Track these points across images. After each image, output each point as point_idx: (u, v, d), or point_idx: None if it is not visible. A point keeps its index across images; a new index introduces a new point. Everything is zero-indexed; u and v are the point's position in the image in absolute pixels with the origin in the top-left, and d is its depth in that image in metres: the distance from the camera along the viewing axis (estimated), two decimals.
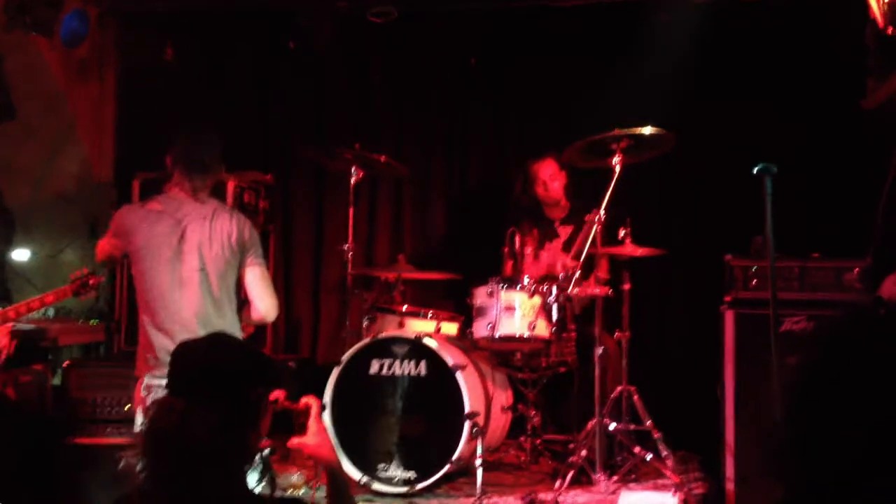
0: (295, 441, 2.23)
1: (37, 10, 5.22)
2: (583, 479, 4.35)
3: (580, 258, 4.44)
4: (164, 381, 2.07)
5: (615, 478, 4.37)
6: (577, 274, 4.42)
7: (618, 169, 4.44)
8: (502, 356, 4.84)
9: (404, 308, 5.01)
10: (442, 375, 4.40)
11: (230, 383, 1.98)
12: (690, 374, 5.18)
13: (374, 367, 4.54)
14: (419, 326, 4.86)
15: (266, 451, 2.04)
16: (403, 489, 4.36)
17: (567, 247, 5.23)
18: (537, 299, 4.45)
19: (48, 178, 6.07)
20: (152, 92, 5.97)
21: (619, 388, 4.51)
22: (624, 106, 4.86)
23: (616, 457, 4.51)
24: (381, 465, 4.43)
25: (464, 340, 4.82)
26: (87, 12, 5.53)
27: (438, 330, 4.85)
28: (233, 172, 5.18)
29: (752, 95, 5.42)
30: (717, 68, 5.48)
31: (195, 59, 6.14)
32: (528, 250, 5.03)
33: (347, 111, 6.23)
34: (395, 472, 4.41)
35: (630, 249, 4.53)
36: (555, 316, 4.46)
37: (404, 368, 4.50)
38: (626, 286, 4.59)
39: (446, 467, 4.32)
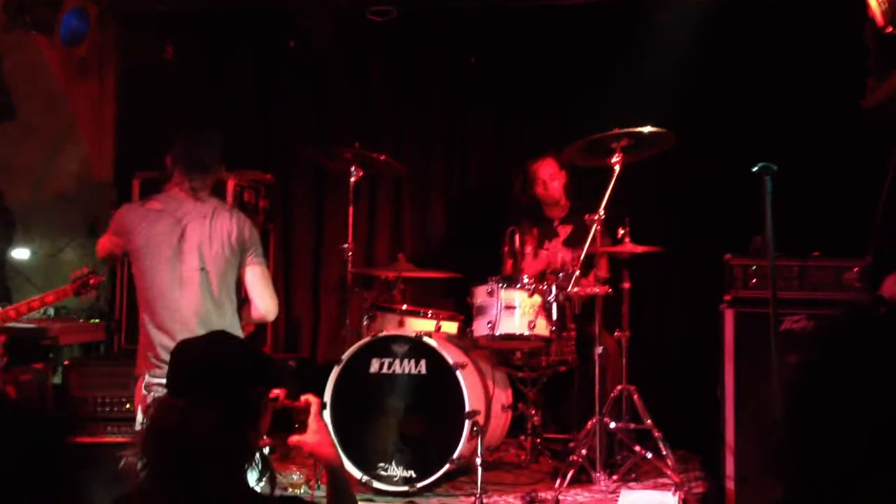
0: (295, 439, 2.23)
1: (37, 9, 5.21)
2: (583, 478, 4.36)
3: (580, 257, 4.45)
4: (164, 380, 2.07)
5: (615, 477, 4.37)
6: (577, 273, 4.42)
7: (617, 168, 4.45)
8: (502, 355, 4.85)
9: (404, 307, 5.02)
10: (442, 374, 4.40)
11: (230, 381, 1.98)
12: (690, 373, 5.18)
13: (375, 365, 4.54)
14: (419, 325, 4.87)
15: (266, 450, 2.04)
16: (404, 488, 4.37)
17: (567, 245, 5.23)
18: (537, 298, 4.45)
19: (48, 177, 6.06)
20: (152, 91, 5.97)
21: (619, 387, 4.52)
22: (624, 105, 4.86)
23: (616, 456, 4.52)
24: (381, 464, 4.43)
25: (464, 339, 4.83)
26: (87, 11, 5.53)
27: (438, 329, 4.85)
28: (233, 171, 5.19)
29: (752, 95, 5.42)
30: (717, 68, 5.48)
31: (195, 58, 6.14)
32: (528, 249, 5.03)
33: (347, 111, 6.23)
34: (396, 470, 4.41)
35: (629, 248, 4.53)
36: (555, 315, 4.46)
37: (404, 367, 4.50)
38: (626, 285, 4.60)
39: (446, 466, 4.32)
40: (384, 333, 4.64)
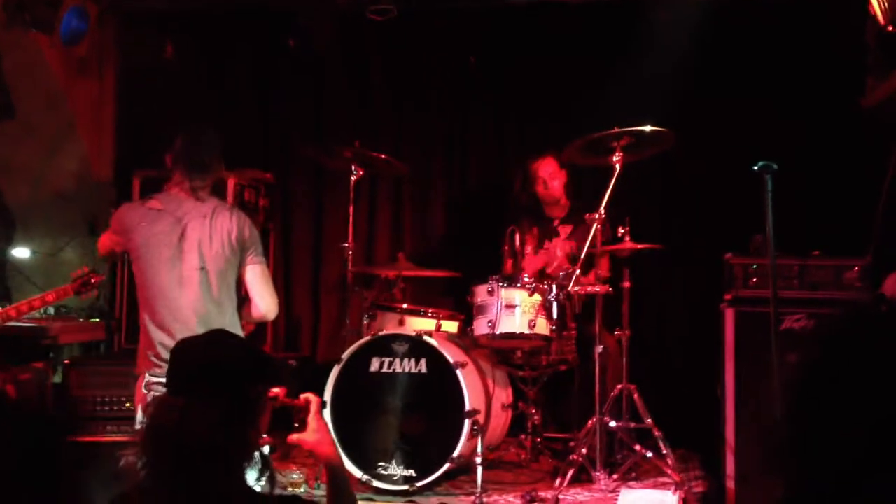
0: (294, 437, 2.23)
1: (36, 8, 5.21)
2: (583, 478, 4.35)
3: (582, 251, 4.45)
4: (164, 379, 2.07)
5: (615, 476, 4.37)
6: (577, 272, 4.42)
7: (618, 167, 4.44)
8: (503, 354, 4.85)
9: (404, 306, 5.02)
10: (442, 373, 4.40)
11: (230, 380, 1.98)
12: (690, 373, 5.19)
13: (375, 364, 4.54)
14: (419, 324, 4.86)
15: (267, 449, 2.04)
16: (404, 487, 4.36)
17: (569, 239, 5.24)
18: (538, 297, 4.45)
19: (48, 176, 6.06)
20: (152, 91, 5.97)
21: (619, 387, 4.51)
22: (624, 104, 4.85)
23: (616, 455, 4.52)
24: (381, 463, 4.43)
25: (464, 338, 4.82)
26: (87, 10, 5.53)
27: (439, 328, 4.85)
28: (233, 170, 5.19)
29: (752, 94, 5.41)
30: (717, 66, 5.48)
31: (195, 58, 6.13)
32: (528, 249, 5.03)
33: (347, 110, 6.23)
34: (396, 469, 4.41)
35: (630, 246, 4.53)
36: (555, 314, 4.46)
37: (404, 366, 4.50)
38: (627, 284, 4.59)
39: (446, 465, 4.32)
40: (384, 332, 4.63)
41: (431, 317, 4.93)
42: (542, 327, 4.44)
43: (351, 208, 5.05)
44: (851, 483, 1.14)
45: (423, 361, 4.48)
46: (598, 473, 4.31)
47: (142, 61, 5.92)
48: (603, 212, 4.38)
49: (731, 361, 4.25)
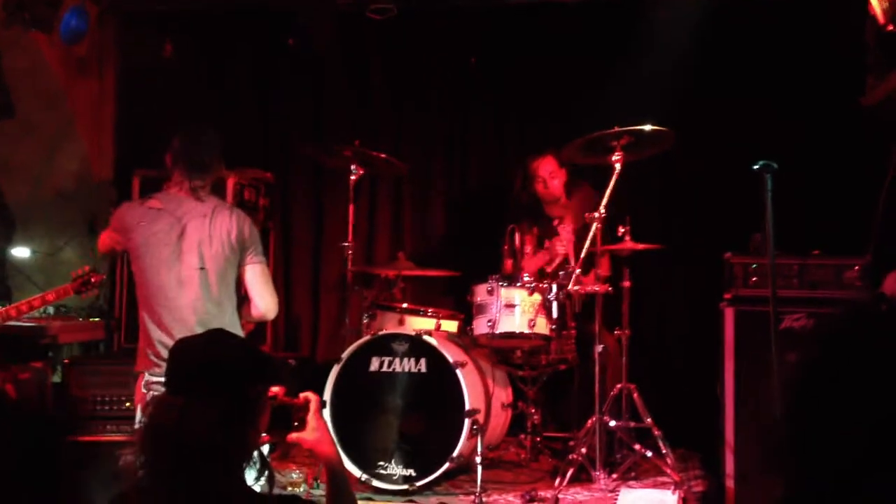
0: (294, 436, 2.23)
1: (36, 7, 5.21)
2: (583, 477, 4.35)
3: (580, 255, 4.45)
4: (163, 378, 2.07)
5: (615, 475, 4.37)
6: (577, 271, 4.42)
7: (618, 167, 4.44)
8: (502, 353, 4.85)
9: (404, 305, 5.02)
10: (442, 372, 4.40)
11: (229, 380, 1.98)
12: (690, 372, 5.18)
13: (374, 364, 4.54)
14: (419, 324, 4.86)
15: (266, 448, 2.04)
16: (403, 486, 4.36)
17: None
18: (537, 297, 4.45)
19: (47, 175, 6.06)
20: (152, 90, 5.97)
21: (618, 386, 4.51)
22: (624, 104, 4.85)
23: (616, 454, 4.52)
24: (381, 463, 4.43)
25: (464, 338, 4.82)
26: (87, 9, 5.52)
27: (438, 327, 4.85)
28: (233, 170, 5.18)
29: (752, 93, 5.41)
30: (717, 65, 5.47)
31: (195, 58, 6.13)
32: (528, 248, 5.03)
33: (347, 110, 6.23)
34: (395, 469, 4.41)
35: (630, 246, 4.53)
36: (555, 313, 4.46)
37: (404, 366, 4.50)
38: (626, 283, 4.59)
39: (446, 465, 4.31)
40: (384, 332, 4.63)
41: (431, 316, 4.93)
42: (542, 327, 4.44)
43: (351, 208, 5.04)
44: (851, 482, 1.14)
45: (422, 361, 4.48)
46: (597, 473, 4.31)
47: (142, 61, 5.92)
48: (603, 211, 4.38)
49: (731, 361, 4.25)
